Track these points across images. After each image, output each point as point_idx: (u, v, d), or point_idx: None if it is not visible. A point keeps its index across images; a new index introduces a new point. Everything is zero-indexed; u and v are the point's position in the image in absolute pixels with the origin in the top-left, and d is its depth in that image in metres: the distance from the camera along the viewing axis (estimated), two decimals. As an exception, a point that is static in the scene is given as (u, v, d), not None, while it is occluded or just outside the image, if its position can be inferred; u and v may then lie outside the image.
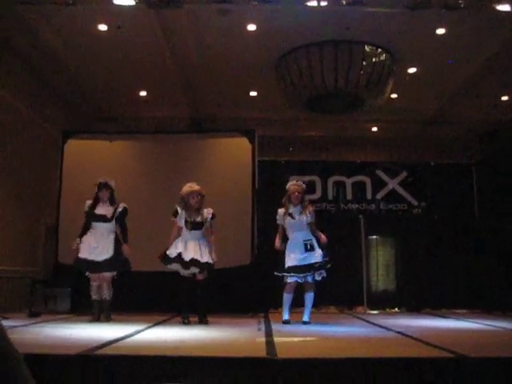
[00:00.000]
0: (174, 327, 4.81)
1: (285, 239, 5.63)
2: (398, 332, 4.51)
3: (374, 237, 8.83)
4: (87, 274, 5.57)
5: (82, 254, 5.45)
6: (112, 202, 5.62)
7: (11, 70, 7.17)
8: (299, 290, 5.57)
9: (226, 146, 7.63)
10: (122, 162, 7.51)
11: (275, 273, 5.52)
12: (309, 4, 6.06)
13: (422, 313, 7.63)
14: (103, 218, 5.53)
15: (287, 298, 5.49)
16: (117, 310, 5.82)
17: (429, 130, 10.39)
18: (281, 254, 5.52)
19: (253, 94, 9.09)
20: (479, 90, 8.47)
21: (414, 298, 8.10)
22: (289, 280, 5.45)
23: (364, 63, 7.49)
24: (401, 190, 8.64)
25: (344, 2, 6.04)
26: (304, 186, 5.75)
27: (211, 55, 7.59)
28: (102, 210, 5.57)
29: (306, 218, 5.52)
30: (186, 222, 5.32)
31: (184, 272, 5.27)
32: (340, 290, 7.85)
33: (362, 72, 7.58)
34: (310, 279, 5.43)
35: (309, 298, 5.50)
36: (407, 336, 4.19)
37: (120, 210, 5.62)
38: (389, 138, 10.73)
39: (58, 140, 7.73)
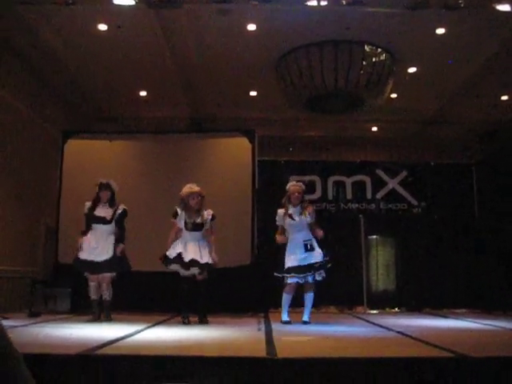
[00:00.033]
0: (174, 327, 4.81)
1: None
2: (398, 332, 4.50)
3: (374, 237, 8.82)
4: (85, 274, 5.56)
5: (82, 255, 5.45)
6: (112, 203, 5.61)
7: (11, 70, 7.17)
8: (299, 290, 5.57)
9: (225, 146, 7.63)
10: (122, 162, 7.51)
11: (275, 274, 5.51)
12: (309, 4, 6.06)
13: (422, 313, 7.62)
14: (103, 220, 5.53)
15: (287, 298, 5.48)
16: (117, 309, 5.82)
17: (429, 130, 10.39)
18: (281, 255, 5.51)
19: (253, 93, 9.09)
20: (479, 90, 8.47)
21: (414, 297, 8.10)
22: (289, 281, 5.44)
23: (364, 63, 7.50)
24: (401, 190, 8.64)
25: (344, 2, 6.05)
26: (304, 186, 5.75)
27: (211, 55, 7.59)
28: (102, 211, 5.56)
29: (306, 218, 5.52)
30: (185, 223, 5.32)
31: (184, 272, 5.27)
32: (340, 290, 7.85)
33: (361, 72, 7.59)
34: (310, 279, 5.41)
35: (309, 298, 5.49)
36: (407, 336, 4.19)
37: (120, 211, 5.61)
38: (389, 137, 10.73)
39: (57, 140, 7.73)
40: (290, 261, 5.41)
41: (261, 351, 3.12)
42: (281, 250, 5.57)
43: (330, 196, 8.61)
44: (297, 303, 5.66)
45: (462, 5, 5.96)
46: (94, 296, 5.55)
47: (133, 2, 6.00)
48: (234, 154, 7.54)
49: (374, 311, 7.93)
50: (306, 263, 5.37)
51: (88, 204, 5.60)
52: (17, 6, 6.14)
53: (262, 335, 4.17)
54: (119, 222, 5.61)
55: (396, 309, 8.11)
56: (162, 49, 7.35)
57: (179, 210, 5.34)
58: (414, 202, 8.60)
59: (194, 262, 5.18)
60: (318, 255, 5.41)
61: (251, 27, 6.86)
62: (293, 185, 5.66)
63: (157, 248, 5.56)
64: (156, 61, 7.68)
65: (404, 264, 8.51)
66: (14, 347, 1.40)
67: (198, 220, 5.32)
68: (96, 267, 5.45)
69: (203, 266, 5.22)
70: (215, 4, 6.11)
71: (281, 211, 5.60)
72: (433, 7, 6.03)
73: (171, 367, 2.71)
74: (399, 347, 3.59)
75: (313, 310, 5.72)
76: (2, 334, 1.38)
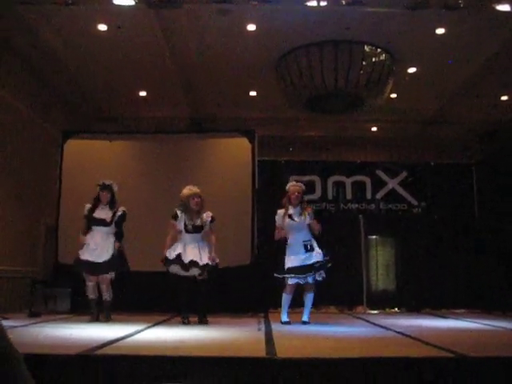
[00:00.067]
0: (174, 327, 4.81)
1: (283, 240, 5.62)
2: (398, 332, 4.51)
3: (374, 237, 8.83)
4: (84, 273, 5.56)
5: (83, 256, 5.46)
6: (112, 205, 5.61)
7: (11, 69, 7.17)
8: (299, 291, 5.57)
9: (225, 146, 7.63)
10: (122, 162, 7.51)
11: (275, 274, 5.50)
12: (309, 4, 6.06)
13: (422, 313, 7.63)
14: (103, 222, 5.53)
15: (286, 298, 5.47)
16: (117, 309, 5.83)
17: (429, 130, 10.39)
18: (280, 255, 5.51)
19: (253, 94, 9.09)
20: (479, 89, 8.47)
21: (413, 297, 8.10)
22: (290, 281, 5.43)
23: (364, 63, 7.50)
24: (401, 190, 8.65)
25: (344, 2, 6.05)
26: (303, 186, 5.75)
27: (211, 55, 7.59)
28: (102, 213, 5.56)
29: (306, 219, 5.52)
30: (185, 225, 5.31)
31: (184, 273, 5.26)
32: (340, 290, 7.85)
33: (361, 72, 7.59)
34: (310, 280, 5.41)
35: (308, 298, 5.49)
36: (407, 336, 4.19)
37: (119, 214, 5.60)
38: (389, 137, 10.73)
39: (57, 140, 7.73)
40: (291, 261, 5.41)
41: (260, 351, 3.12)
42: (281, 250, 5.56)
43: (330, 196, 8.62)
44: (296, 303, 5.66)
45: (462, 5, 5.96)
46: (91, 295, 5.56)
47: (133, 2, 6.00)
48: (234, 154, 7.54)
49: (374, 311, 7.93)
50: (306, 263, 5.37)
51: (88, 206, 5.60)
52: (17, 6, 6.15)
53: (261, 335, 4.17)
54: (118, 224, 5.61)
55: (396, 309, 8.11)
56: (162, 49, 7.35)
57: (179, 213, 5.34)
58: (414, 202, 8.61)
59: (193, 263, 5.18)
60: (318, 255, 5.41)
61: (251, 27, 6.86)
62: (293, 185, 5.67)
63: (157, 248, 5.55)
64: (156, 61, 7.68)
65: (404, 264, 8.51)
66: (14, 347, 1.40)
67: (198, 222, 5.32)
68: (96, 268, 5.45)
69: (203, 268, 5.22)
70: (215, 4, 6.11)
71: (281, 211, 5.59)
72: (433, 7, 6.03)
73: (171, 367, 2.71)
74: (399, 347, 3.59)
75: (312, 310, 5.73)
76: (2, 335, 1.38)
